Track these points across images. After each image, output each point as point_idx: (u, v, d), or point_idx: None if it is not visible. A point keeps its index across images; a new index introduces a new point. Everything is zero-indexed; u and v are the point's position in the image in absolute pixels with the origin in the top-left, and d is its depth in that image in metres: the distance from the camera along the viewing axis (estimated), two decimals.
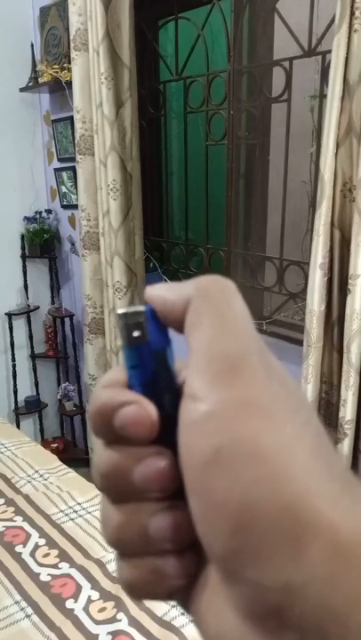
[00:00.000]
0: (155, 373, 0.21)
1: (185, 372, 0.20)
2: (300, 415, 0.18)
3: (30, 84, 2.39)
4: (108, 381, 0.22)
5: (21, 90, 2.44)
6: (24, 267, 2.66)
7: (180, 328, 0.21)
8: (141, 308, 0.22)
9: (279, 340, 1.79)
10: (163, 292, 0.21)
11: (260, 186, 1.93)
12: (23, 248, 2.64)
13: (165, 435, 0.20)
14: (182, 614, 1.19)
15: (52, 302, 2.78)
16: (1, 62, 2.41)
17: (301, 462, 0.17)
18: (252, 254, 1.95)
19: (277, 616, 0.16)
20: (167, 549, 0.20)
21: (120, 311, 0.21)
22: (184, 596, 0.21)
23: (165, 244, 2.32)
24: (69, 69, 2.10)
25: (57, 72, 2.22)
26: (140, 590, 0.21)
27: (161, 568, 0.21)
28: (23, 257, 2.65)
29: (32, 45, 2.39)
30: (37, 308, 2.72)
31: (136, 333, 0.21)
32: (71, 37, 2.01)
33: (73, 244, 2.58)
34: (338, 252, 1.39)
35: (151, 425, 0.20)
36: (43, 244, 2.61)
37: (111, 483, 0.21)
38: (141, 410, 0.20)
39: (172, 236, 2.33)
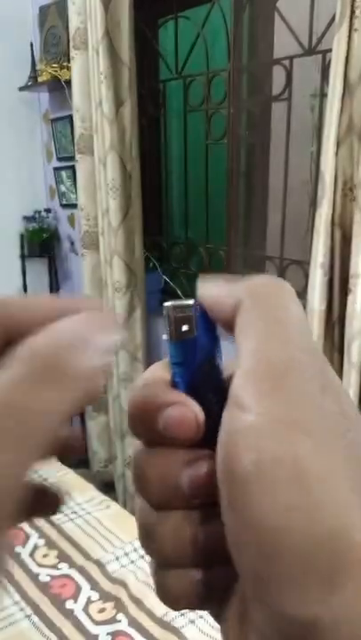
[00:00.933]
0: (201, 371, 0.20)
1: (232, 374, 0.19)
2: (348, 438, 0.17)
3: (30, 83, 2.39)
4: (149, 378, 0.21)
5: (21, 89, 2.43)
6: (23, 266, 2.65)
7: (230, 328, 0.20)
8: (190, 302, 0.20)
9: None
10: (215, 289, 0.20)
11: (261, 185, 1.92)
12: (22, 247, 2.63)
13: (210, 436, 0.19)
14: (182, 615, 1.19)
15: None
16: (0, 61, 2.41)
17: (343, 492, 0.16)
18: (252, 253, 1.94)
19: None
20: (211, 560, 0.19)
21: (167, 303, 0.20)
22: (215, 606, 0.20)
23: (165, 244, 2.31)
24: (69, 68, 2.10)
25: (56, 71, 2.21)
26: (178, 600, 0.20)
27: (202, 579, 0.20)
28: (22, 256, 2.64)
29: (31, 44, 2.38)
30: None
31: (184, 328, 0.20)
32: (71, 36, 2.01)
33: (72, 244, 2.58)
34: (339, 252, 1.38)
35: (198, 427, 0.19)
36: (42, 243, 2.60)
37: (156, 489, 0.20)
38: (187, 410, 0.19)
39: (171, 235, 2.32)
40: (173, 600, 0.20)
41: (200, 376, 0.20)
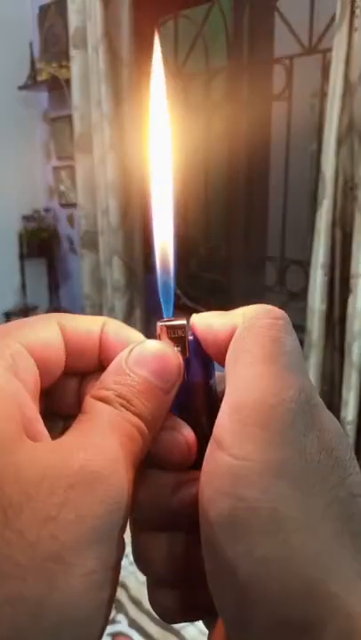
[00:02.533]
0: (193, 393, 0.20)
1: (222, 395, 0.18)
2: (333, 478, 0.16)
3: (29, 82, 2.38)
4: None
5: (20, 88, 2.43)
6: (22, 266, 2.64)
7: (222, 357, 0.19)
8: (183, 322, 0.20)
9: None
10: (208, 319, 0.20)
11: (261, 185, 1.92)
12: (21, 247, 2.62)
13: (202, 458, 0.19)
14: None
15: (51, 302, 2.77)
16: (0, 60, 2.40)
17: (323, 541, 0.15)
18: (252, 253, 1.94)
19: None
20: (202, 579, 0.19)
21: (160, 323, 0.20)
22: (208, 621, 0.20)
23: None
24: (68, 68, 2.09)
25: (56, 70, 2.21)
26: (174, 616, 0.21)
27: (193, 597, 0.20)
28: (21, 256, 2.63)
29: (31, 44, 2.38)
30: (36, 307, 2.71)
31: (176, 349, 0.20)
32: (70, 35, 2.00)
33: (72, 243, 2.57)
34: (339, 252, 1.38)
35: (188, 452, 0.19)
36: (41, 243, 2.60)
37: (149, 510, 0.20)
38: (178, 436, 0.19)
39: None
40: (168, 616, 0.21)
41: (192, 398, 0.20)
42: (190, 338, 0.20)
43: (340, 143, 1.32)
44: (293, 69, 1.64)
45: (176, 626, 1.15)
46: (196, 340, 0.20)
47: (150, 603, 0.21)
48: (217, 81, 1.88)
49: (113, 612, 1.20)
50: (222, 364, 0.19)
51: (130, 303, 2.10)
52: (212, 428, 0.18)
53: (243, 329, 0.19)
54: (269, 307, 0.19)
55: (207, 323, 0.20)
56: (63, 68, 2.18)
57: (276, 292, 1.85)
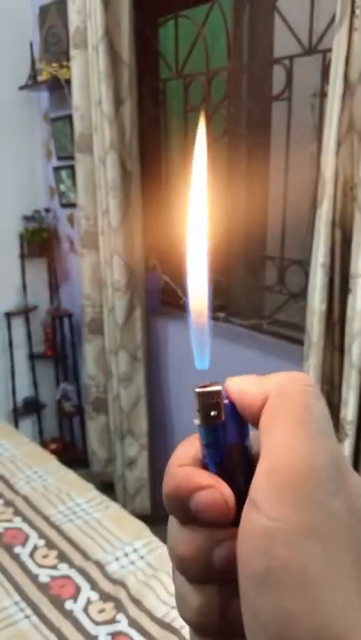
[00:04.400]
0: (230, 454, 0.21)
1: (258, 454, 0.20)
2: (358, 536, 0.18)
3: (29, 82, 2.38)
4: (181, 458, 0.22)
5: (20, 88, 2.43)
6: (22, 266, 2.65)
7: (256, 421, 0.21)
8: (218, 388, 0.21)
9: (280, 339, 1.78)
10: (243, 385, 0.21)
11: (261, 184, 1.92)
12: (22, 247, 2.62)
13: (240, 514, 0.20)
14: None
15: (51, 302, 2.77)
16: (0, 60, 2.40)
17: (348, 597, 0.17)
18: (252, 253, 1.94)
19: None
20: (239, 634, 0.20)
21: (198, 390, 0.21)
22: None
23: (165, 244, 2.31)
24: (68, 68, 2.09)
25: (56, 70, 2.21)
26: None
27: None
28: (22, 256, 2.64)
29: (31, 44, 2.38)
30: (36, 307, 2.71)
31: (213, 413, 0.21)
32: (70, 36, 2.00)
33: (72, 243, 2.57)
34: (339, 252, 1.38)
35: (228, 510, 0.20)
36: (41, 243, 2.60)
37: (190, 565, 0.21)
38: (217, 495, 0.20)
39: (171, 235, 2.32)
40: None
41: (229, 458, 0.22)
42: (226, 402, 0.22)
43: (339, 143, 1.32)
44: (293, 69, 1.64)
45: (176, 625, 1.15)
46: (232, 405, 0.22)
47: None
48: (217, 81, 1.88)
49: (113, 612, 1.20)
50: (256, 426, 0.21)
51: (130, 303, 2.10)
52: (248, 486, 0.20)
53: (276, 395, 0.20)
54: (300, 374, 0.21)
55: (241, 388, 0.21)
56: (63, 68, 2.18)
57: (275, 291, 1.85)
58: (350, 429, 1.38)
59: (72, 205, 2.45)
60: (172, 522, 0.22)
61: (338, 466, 0.19)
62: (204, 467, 0.22)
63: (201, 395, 0.21)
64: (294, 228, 1.81)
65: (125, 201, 2.00)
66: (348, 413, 1.37)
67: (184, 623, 1.06)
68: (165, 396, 2.29)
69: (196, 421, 0.22)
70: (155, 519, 2.10)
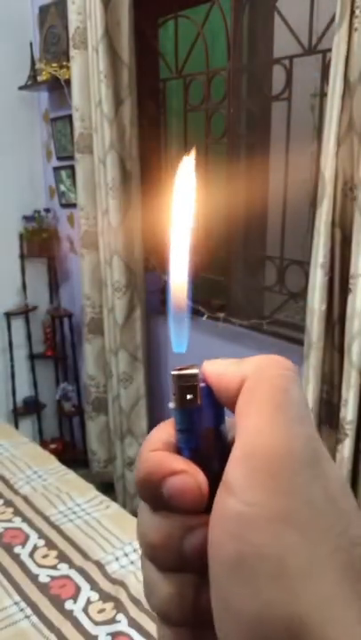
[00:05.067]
0: (205, 439, 0.21)
1: (233, 441, 0.19)
2: (336, 527, 0.17)
3: (29, 82, 2.38)
4: (155, 443, 0.21)
5: (20, 88, 2.43)
6: (22, 266, 2.65)
7: (232, 404, 0.20)
8: (195, 371, 0.21)
9: (280, 339, 1.78)
10: (220, 368, 0.21)
11: (261, 184, 1.92)
12: (22, 247, 2.62)
13: (213, 502, 0.19)
14: None
15: (51, 302, 2.77)
16: (0, 60, 2.40)
17: (326, 588, 0.16)
18: (252, 253, 1.94)
19: None
20: (211, 622, 0.19)
21: (174, 372, 0.21)
22: None
23: (165, 244, 2.31)
24: (68, 68, 2.09)
25: (56, 70, 2.21)
26: None
27: (202, 638, 0.20)
28: (22, 256, 2.64)
29: (31, 44, 2.38)
30: (36, 307, 2.71)
31: (189, 396, 0.21)
32: (70, 36, 2.00)
33: (72, 244, 2.57)
34: (339, 252, 1.38)
35: (201, 496, 0.20)
36: (41, 243, 2.60)
37: (160, 552, 0.20)
38: (191, 480, 0.20)
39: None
40: None
41: (204, 443, 0.21)
42: (202, 385, 0.21)
43: (339, 143, 1.32)
44: (293, 69, 1.64)
45: None
46: (208, 388, 0.21)
47: (158, 639, 0.22)
48: (217, 81, 1.88)
49: (113, 612, 1.20)
50: (232, 410, 0.20)
51: (130, 303, 2.10)
52: (222, 472, 0.19)
53: (253, 379, 0.19)
54: (279, 357, 0.20)
55: (219, 371, 0.21)
56: (63, 68, 2.18)
57: (275, 291, 1.85)
58: (350, 429, 1.38)
59: (72, 205, 2.45)
60: (143, 508, 0.21)
61: (315, 452, 0.18)
62: (178, 452, 0.21)
63: (177, 377, 0.21)
64: (294, 227, 1.81)
65: (125, 201, 2.00)
66: (348, 413, 1.37)
67: None
68: (165, 396, 2.29)
69: (171, 405, 0.21)
70: None
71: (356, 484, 1.42)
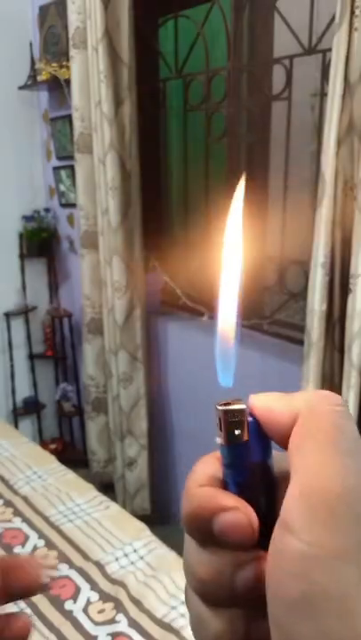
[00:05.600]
0: (252, 474, 0.21)
1: (282, 473, 0.19)
2: None
3: (29, 82, 2.38)
4: (202, 478, 0.21)
5: (20, 88, 2.43)
6: (22, 266, 2.65)
7: (284, 442, 0.20)
8: (242, 406, 0.21)
9: (280, 339, 1.78)
10: (269, 403, 0.21)
11: (261, 184, 1.92)
12: (21, 247, 2.62)
13: (261, 536, 0.20)
14: (182, 616, 1.18)
15: (51, 302, 2.77)
16: (0, 60, 2.40)
17: None
18: (251, 254, 1.93)
19: None
20: None
21: (220, 407, 0.21)
22: None
23: (165, 244, 2.31)
24: (68, 67, 2.09)
25: (56, 70, 2.21)
26: None
27: None
28: (21, 256, 2.64)
29: (31, 43, 2.38)
30: (35, 307, 2.71)
31: (236, 432, 0.21)
32: (70, 36, 2.00)
33: (71, 243, 2.57)
34: (339, 252, 1.38)
35: (252, 532, 0.20)
36: (41, 243, 2.60)
37: (210, 588, 0.21)
38: (242, 516, 0.20)
39: (171, 235, 2.32)
40: None
41: (252, 478, 0.21)
42: (250, 420, 0.21)
43: (339, 143, 1.32)
44: (293, 69, 1.64)
45: (176, 626, 1.15)
46: (256, 422, 0.21)
47: None
48: (217, 81, 1.88)
49: (113, 613, 1.20)
50: (281, 445, 0.20)
51: (130, 303, 2.10)
52: (270, 506, 0.19)
53: (306, 414, 0.20)
54: (329, 393, 0.20)
55: (267, 406, 0.21)
56: (63, 68, 2.18)
57: (275, 291, 1.85)
58: None
59: (72, 205, 2.45)
60: (190, 543, 0.21)
61: None
62: (225, 486, 0.21)
63: (224, 412, 0.21)
64: (294, 227, 1.81)
65: (125, 201, 2.00)
66: None
67: (184, 623, 1.06)
68: (165, 396, 2.29)
69: (218, 440, 0.21)
70: (155, 519, 2.10)
71: None
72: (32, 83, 2.36)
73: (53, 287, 2.75)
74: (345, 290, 1.38)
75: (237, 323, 0.23)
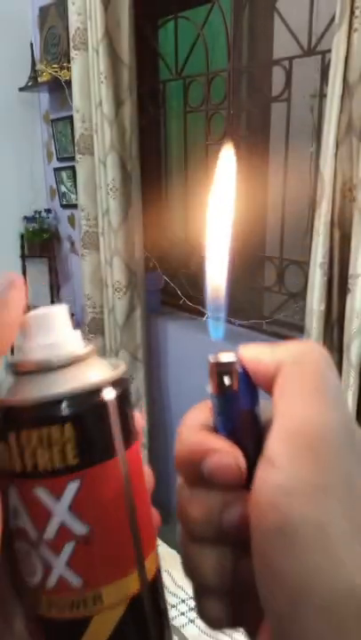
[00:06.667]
0: (241, 421, 0.22)
1: (268, 422, 0.21)
2: None
3: (30, 83, 2.39)
4: (193, 424, 0.23)
5: (21, 89, 2.44)
6: (23, 266, 2.65)
7: (269, 387, 0.21)
8: (233, 359, 0.22)
9: (279, 339, 1.79)
10: (257, 354, 0.22)
11: (260, 185, 1.92)
12: (22, 248, 2.63)
13: (247, 479, 0.21)
14: (183, 614, 1.19)
15: (52, 302, 2.77)
16: (0, 62, 2.41)
17: None
18: (251, 254, 1.94)
19: None
20: (245, 591, 0.21)
21: (211, 359, 0.22)
22: (249, 626, 0.22)
23: (165, 244, 2.31)
24: (69, 69, 2.10)
25: (56, 71, 2.21)
26: (214, 622, 0.23)
27: (236, 606, 0.22)
28: (22, 257, 2.64)
29: (31, 45, 2.39)
30: (36, 307, 2.71)
31: (226, 382, 0.22)
32: (70, 37, 2.01)
33: (72, 244, 2.58)
34: (338, 252, 1.39)
35: (240, 472, 0.21)
36: (42, 243, 2.60)
37: (200, 526, 0.22)
38: (230, 459, 0.21)
39: (171, 235, 2.33)
40: (211, 621, 0.23)
41: (240, 424, 0.22)
42: (239, 370, 0.22)
43: (338, 144, 1.32)
44: (293, 70, 1.65)
45: (177, 624, 1.16)
46: (244, 372, 0.22)
47: (198, 611, 0.23)
48: (217, 82, 1.89)
49: None
50: (268, 392, 0.21)
51: (130, 303, 2.10)
52: (257, 451, 0.20)
53: (290, 363, 0.21)
54: (314, 344, 0.22)
55: (255, 357, 0.22)
56: (64, 69, 2.19)
57: (275, 291, 1.86)
58: None
59: (73, 206, 2.46)
60: (182, 485, 0.23)
61: (352, 433, 0.19)
62: (215, 432, 0.22)
63: (215, 364, 0.22)
64: (293, 228, 1.82)
65: (125, 202, 2.01)
66: None
67: (184, 622, 1.07)
68: (165, 396, 2.29)
69: (209, 389, 0.22)
70: None
71: None
72: (33, 84, 2.37)
73: (54, 287, 2.75)
74: (344, 290, 1.38)
75: (227, 277, 0.24)
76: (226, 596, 0.22)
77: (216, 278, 0.24)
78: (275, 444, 0.19)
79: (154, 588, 0.23)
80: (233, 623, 0.23)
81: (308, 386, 0.20)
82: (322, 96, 1.55)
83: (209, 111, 1.95)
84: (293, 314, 1.79)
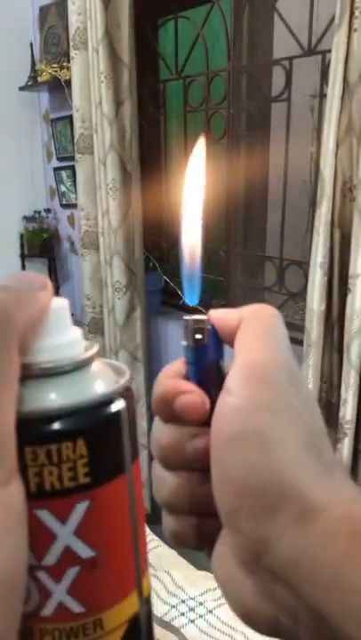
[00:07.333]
0: (208, 370, 0.26)
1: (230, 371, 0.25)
2: (304, 416, 0.23)
3: (29, 83, 2.39)
4: (169, 372, 0.27)
5: (20, 89, 2.44)
6: (23, 266, 2.65)
7: (232, 340, 0.26)
8: (204, 317, 0.26)
9: None
10: (223, 314, 0.27)
11: (260, 185, 1.92)
12: (22, 247, 2.63)
13: (210, 415, 0.25)
14: (182, 615, 1.19)
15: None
16: (0, 61, 2.41)
17: (294, 453, 0.22)
18: (251, 254, 1.94)
19: (257, 561, 0.22)
20: (205, 511, 0.26)
21: (187, 317, 0.26)
22: (208, 548, 0.26)
23: (165, 244, 2.31)
24: (69, 68, 2.10)
25: (56, 71, 2.21)
26: (180, 539, 0.27)
27: (198, 525, 0.27)
28: (22, 256, 2.64)
29: (31, 44, 2.39)
30: None
31: (198, 336, 0.26)
32: (70, 36, 2.01)
33: (72, 244, 2.58)
34: (338, 252, 1.39)
35: (205, 411, 0.25)
36: (42, 243, 2.60)
37: (169, 453, 0.26)
38: (197, 399, 0.26)
39: (171, 235, 2.33)
40: (175, 538, 0.27)
41: (207, 374, 0.26)
42: (209, 327, 0.26)
43: (338, 144, 1.32)
44: (293, 70, 1.65)
45: (177, 624, 1.16)
46: (213, 330, 0.26)
47: (163, 528, 0.28)
48: (217, 82, 1.89)
49: None
50: (232, 345, 0.26)
51: (130, 303, 2.10)
52: (219, 395, 0.24)
53: (248, 318, 0.26)
54: (268, 305, 0.26)
55: (222, 316, 0.26)
56: (64, 68, 2.19)
57: (275, 292, 1.86)
58: (349, 429, 1.39)
59: (72, 206, 2.46)
60: (157, 421, 0.27)
61: (294, 370, 0.24)
62: (187, 380, 0.26)
63: (190, 321, 0.26)
64: (293, 228, 1.82)
65: (125, 201, 2.00)
66: (347, 413, 1.38)
67: (184, 622, 1.06)
68: None
69: (184, 342, 0.26)
70: (154, 518, 2.10)
71: (356, 483, 1.42)
72: (32, 84, 2.37)
73: (54, 287, 2.75)
74: (344, 290, 1.38)
75: (201, 245, 0.28)
76: (186, 514, 0.27)
77: (191, 245, 0.28)
78: (232, 376, 0.24)
79: (149, 605, 0.22)
80: (191, 541, 0.27)
81: (261, 334, 0.25)
82: (322, 96, 1.55)
83: (209, 111, 1.95)
84: (294, 314, 1.79)
